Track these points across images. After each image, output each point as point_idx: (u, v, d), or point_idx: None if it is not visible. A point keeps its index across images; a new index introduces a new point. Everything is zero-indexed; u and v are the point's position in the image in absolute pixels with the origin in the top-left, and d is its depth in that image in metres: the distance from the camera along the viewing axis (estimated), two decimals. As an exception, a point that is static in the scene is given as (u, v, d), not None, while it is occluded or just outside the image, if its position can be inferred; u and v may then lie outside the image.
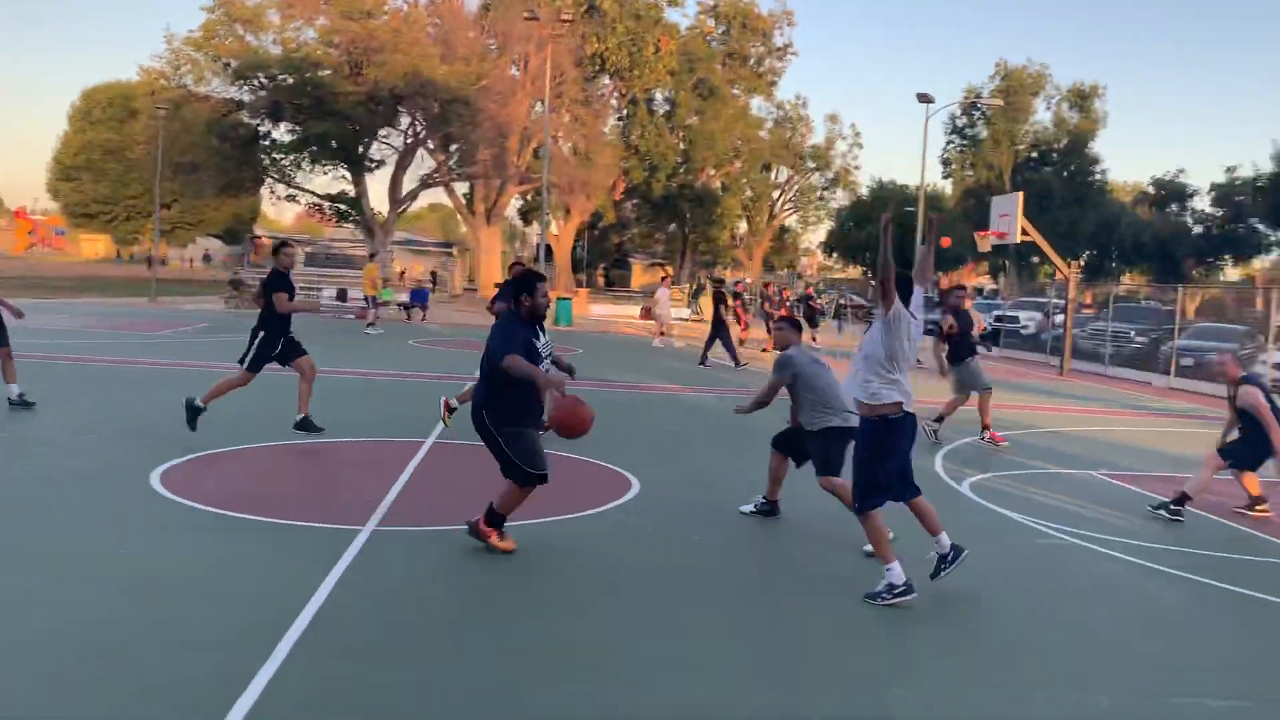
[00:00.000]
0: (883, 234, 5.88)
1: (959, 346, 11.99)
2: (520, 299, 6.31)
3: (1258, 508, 8.89)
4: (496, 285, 11.05)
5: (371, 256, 28.68)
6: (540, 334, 6.46)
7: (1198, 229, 62.52)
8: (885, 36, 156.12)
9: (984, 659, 5.18)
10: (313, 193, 42.92)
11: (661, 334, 25.72)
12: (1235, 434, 9.04)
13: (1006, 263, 67.08)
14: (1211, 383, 21.07)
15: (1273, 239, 59.30)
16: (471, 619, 5.25)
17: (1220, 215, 60.97)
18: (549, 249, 51.38)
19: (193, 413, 9.42)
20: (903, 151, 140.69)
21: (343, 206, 42.32)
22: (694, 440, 11.56)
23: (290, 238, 9.73)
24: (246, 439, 9.62)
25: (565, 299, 34.33)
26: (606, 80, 53.01)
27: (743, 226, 68.75)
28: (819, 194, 71.93)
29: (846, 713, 4.39)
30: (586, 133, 47.89)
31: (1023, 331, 33.53)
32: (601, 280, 78.04)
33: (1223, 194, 59.91)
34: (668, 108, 56.19)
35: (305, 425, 9.75)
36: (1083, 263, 65.71)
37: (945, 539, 6.14)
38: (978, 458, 11.09)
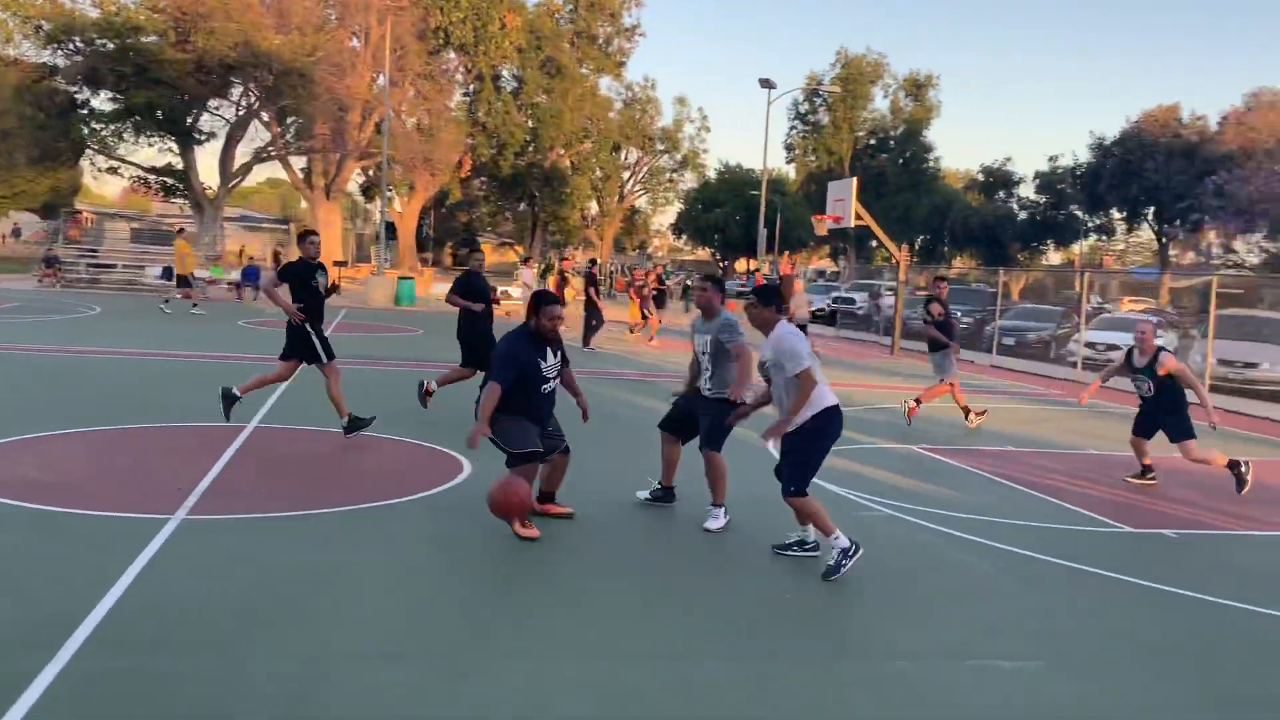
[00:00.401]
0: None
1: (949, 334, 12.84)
2: (533, 317, 6.55)
3: (1148, 476, 9.77)
4: (464, 273, 10.88)
5: (179, 232, 27.14)
6: (551, 354, 6.63)
7: (1023, 215, 65.84)
8: (732, 21, 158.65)
9: (796, 630, 5.28)
10: (137, 166, 40.64)
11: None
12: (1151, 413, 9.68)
13: (846, 247, 69.30)
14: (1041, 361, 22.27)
15: (1090, 225, 63.03)
16: (275, 608, 5.03)
17: (1043, 202, 64.41)
18: (391, 226, 50.14)
19: (228, 401, 9.21)
20: (749, 136, 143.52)
21: (170, 180, 40.21)
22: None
23: (311, 229, 9.45)
24: (46, 425, 9.00)
25: (408, 278, 33.55)
26: (451, 55, 52.00)
27: (593, 207, 68.75)
28: (668, 176, 72.62)
29: (659, 689, 4.39)
30: (430, 108, 46.92)
31: (858, 313, 34.72)
32: (450, 259, 76.75)
33: (1046, 182, 63.27)
34: (515, 85, 55.59)
35: (355, 424, 9.36)
36: (917, 247, 68.56)
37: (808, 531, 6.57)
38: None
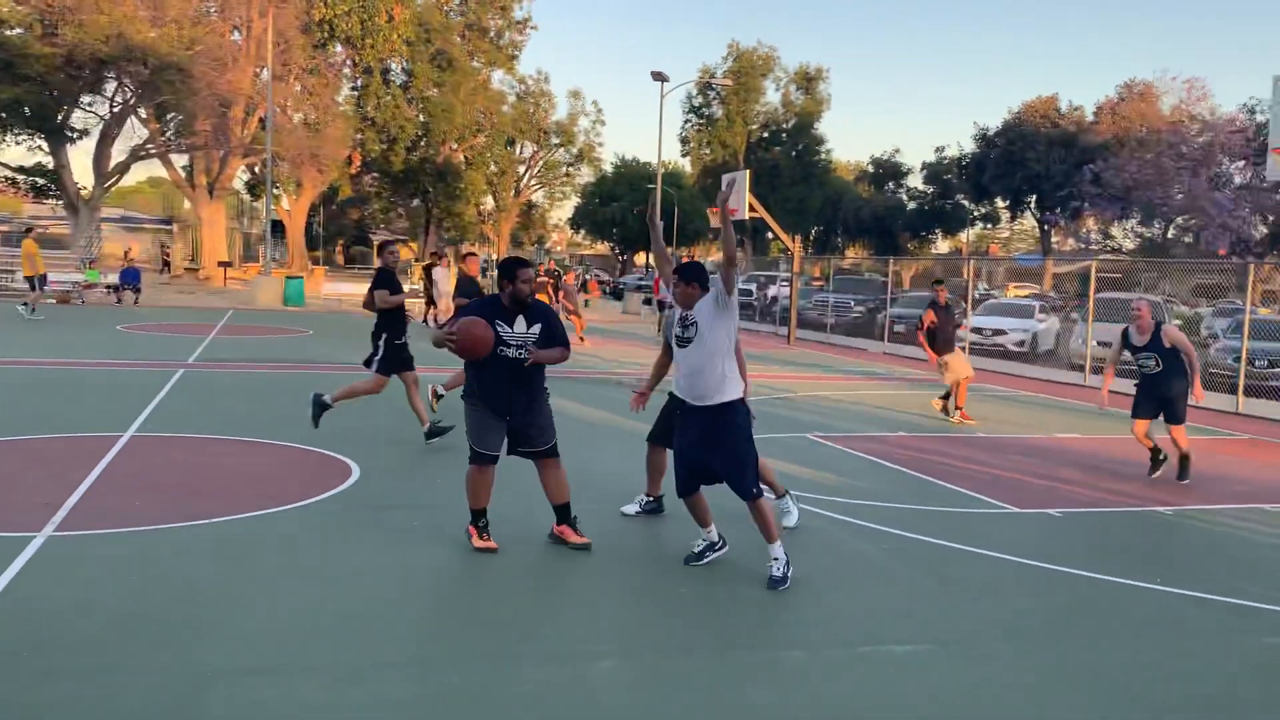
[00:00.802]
0: (724, 223, 5.76)
1: (936, 337, 12.82)
2: (503, 285, 6.20)
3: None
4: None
5: (27, 231, 25.66)
6: (517, 322, 6.19)
7: (912, 205, 67.59)
8: (624, 15, 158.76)
9: (692, 622, 5.25)
10: (4, 165, 38.69)
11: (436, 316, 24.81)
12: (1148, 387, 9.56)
13: (743, 238, 69.97)
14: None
15: (976, 214, 64.95)
16: (148, 627, 4.78)
17: (931, 192, 66.15)
18: (279, 225, 48.81)
19: (319, 409, 9.10)
20: (644, 129, 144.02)
21: (40, 181, 38.39)
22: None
23: (393, 239, 9.55)
24: (-100, 442, 8.45)
25: (296, 278, 32.68)
26: (338, 49, 50.80)
27: (489, 202, 68.04)
28: (564, 170, 72.30)
29: (547, 687, 4.30)
30: (317, 102, 45.74)
31: (755, 304, 35.09)
32: (341, 257, 75.13)
33: (933, 172, 65.00)
34: (405, 79, 54.59)
35: (436, 432, 9.49)
36: (811, 237, 69.73)
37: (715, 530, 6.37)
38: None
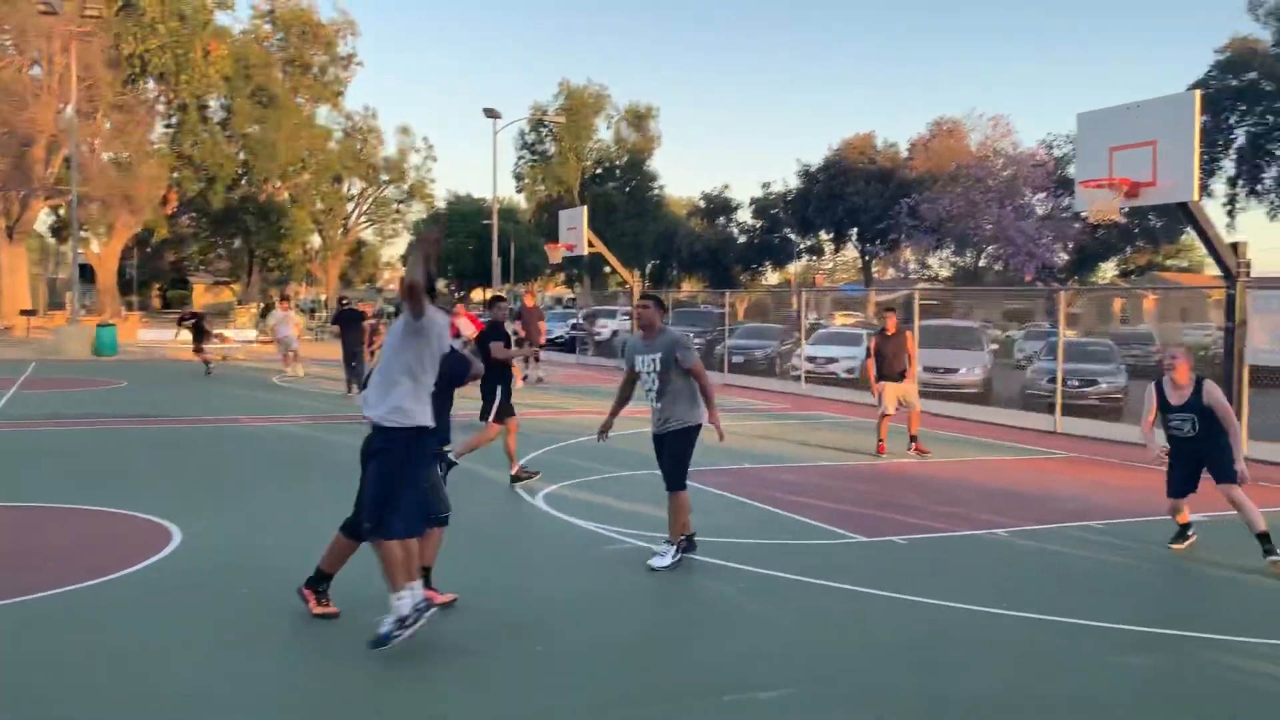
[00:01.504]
0: (417, 248, 5.42)
1: (882, 366, 12.71)
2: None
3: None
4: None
5: None
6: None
7: (743, 238, 69.30)
8: (454, 52, 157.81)
9: (550, 677, 5.01)
10: None
11: (287, 360, 23.49)
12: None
13: (580, 273, 70.25)
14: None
15: (802, 246, 67.16)
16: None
17: (760, 226, 68.04)
18: (86, 269, 45.99)
19: (447, 466, 8.06)
20: (477, 165, 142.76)
21: None
22: (255, 479, 10.54)
23: (500, 294, 10.26)
24: None
25: (108, 325, 30.68)
26: (150, 84, 48.45)
27: (315, 240, 66.02)
28: (395, 207, 71.02)
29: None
30: (128, 140, 43.39)
31: (597, 338, 35.07)
32: (158, 302, 71.37)
33: (761, 207, 66.88)
34: (224, 115, 52.51)
35: (521, 478, 10.01)
36: (648, 271, 70.57)
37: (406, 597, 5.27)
38: (550, 469, 11.14)
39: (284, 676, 5.03)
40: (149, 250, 62.79)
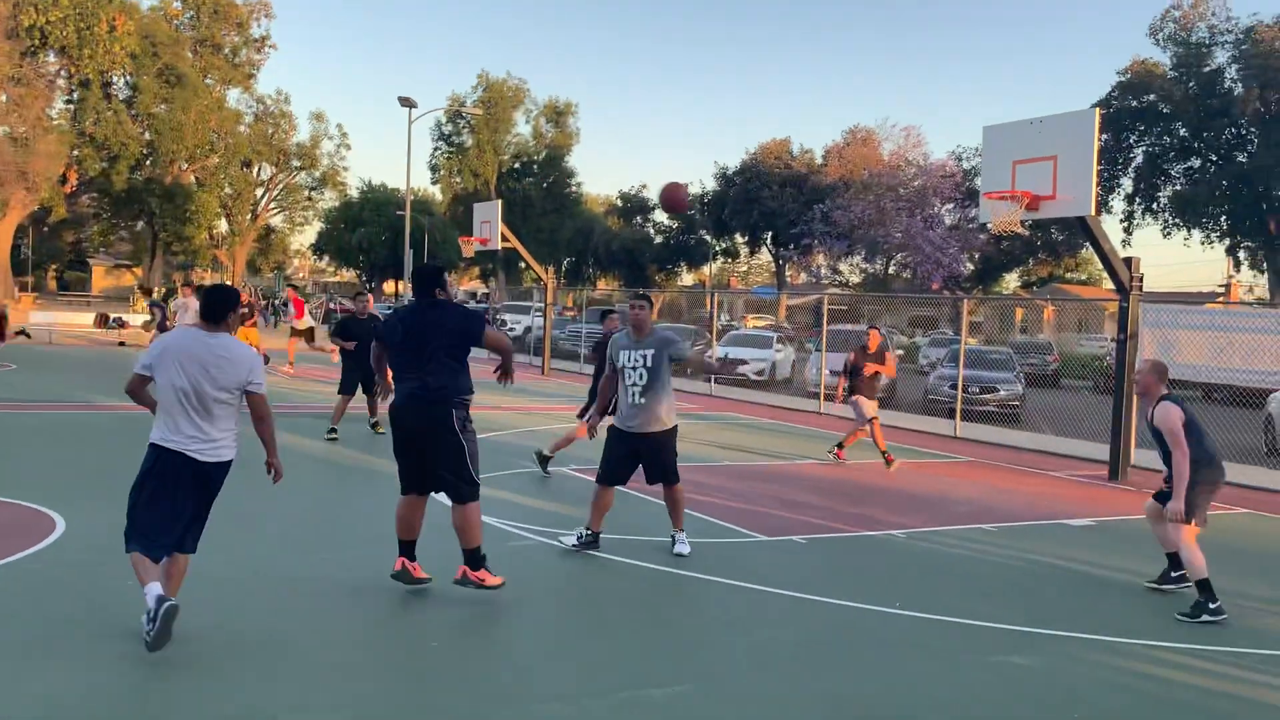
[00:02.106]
0: None
1: (853, 379, 12.46)
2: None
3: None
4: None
5: None
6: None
7: (659, 239, 69.61)
8: (370, 39, 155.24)
9: (443, 674, 4.95)
10: None
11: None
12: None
13: (495, 268, 69.77)
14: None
15: (718, 248, 67.73)
16: None
17: (676, 227, 68.40)
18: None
19: (543, 462, 10.64)
20: (392, 155, 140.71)
21: None
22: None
23: (611, 308, 9.99)
24: None
25: (-1, 306, 29.35)
26: (51, 58, 46.61)
27: (223, 225, 64.32)
28: (306, 194, 69.58)
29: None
30: (25, 115, 41.68)
31: (510, 334, 34.88)
32: (54, 284, 68.75)
33: (677, 207, 67.25)
34: (129, 93, 50.79)
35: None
36: (564, 268, 70.41)
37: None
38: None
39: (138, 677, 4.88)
40: (46, 230, 60.42)
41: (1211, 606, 6.46)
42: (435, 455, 6.01)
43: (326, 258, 75.35)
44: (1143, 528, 7.80)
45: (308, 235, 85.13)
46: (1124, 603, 6.98)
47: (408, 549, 6.17)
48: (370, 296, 14.43)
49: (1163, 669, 5.60)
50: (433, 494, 6.23)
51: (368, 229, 64.21)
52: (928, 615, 6.35)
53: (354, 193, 69.15)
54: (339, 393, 13.02)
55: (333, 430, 12.57)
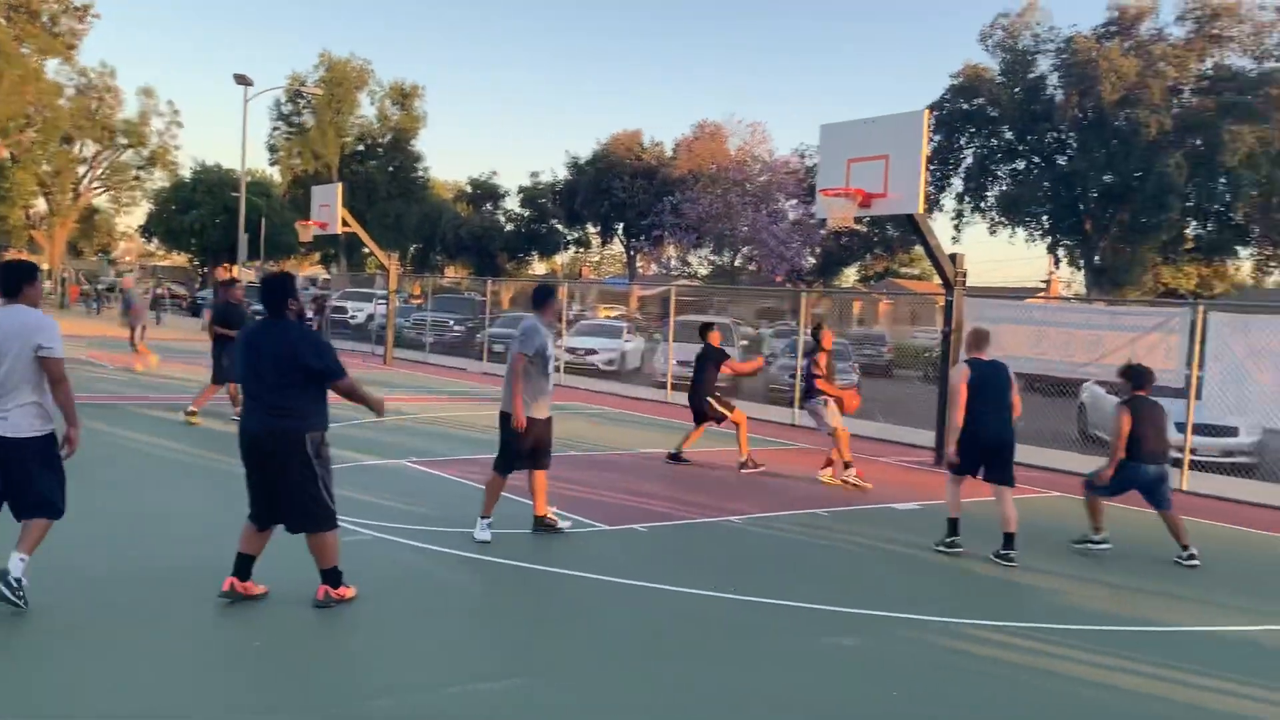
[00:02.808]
0: None
1: (809, 385, 11.46)
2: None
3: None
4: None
5: None
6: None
7: (510, 227, 68.97)
8: (205, 12, 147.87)
9: (266, 673, 4.78)
10: None
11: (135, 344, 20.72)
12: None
13: (337, 253, 67.80)
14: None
15: (570, 238, 67.66)
16: None
17: (527, 215, 67.95)
18: None
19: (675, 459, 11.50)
20: (227, 134, 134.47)
21: None
22: None
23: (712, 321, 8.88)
24: None
25: None
26: None
27: (40, 204, 60.28)
28: (134, 173, 65.92)
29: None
30: None
31: (351, 321, 33.99)
32: None
33: (529, 196, 66.78)
34: (-68, 60, 46.95)
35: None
36: (410, 255, 69.00)
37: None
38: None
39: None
40: None
41: (948, 540, 8.10)
42: (284, 482, 5.68)
43: (156, 240, 71.60)
44: (964, 511, 8.20)
45: (136, 217, 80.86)
46: (943, 583, 7.32)
47: (243, 566, 5.80)
48: (241, 284, 14.61)
49: (977, 645, 5.91)
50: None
51: (201, 211, 61.32)
52: (762, 599, 6.51)
53: (186, 173, 65.84)
54: (213, 381, 13.09)
55: (193, 413, 12.68)
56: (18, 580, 5.24)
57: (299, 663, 5.03)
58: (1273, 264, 43.80)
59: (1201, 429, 12.77)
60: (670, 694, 4.89)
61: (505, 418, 7.82)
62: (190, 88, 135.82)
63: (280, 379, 5.64)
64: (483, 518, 7.62)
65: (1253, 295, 48.64)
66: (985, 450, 8.01)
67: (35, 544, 5.37)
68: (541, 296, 8.07)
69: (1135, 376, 8.55)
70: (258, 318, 5.92)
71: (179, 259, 74.85)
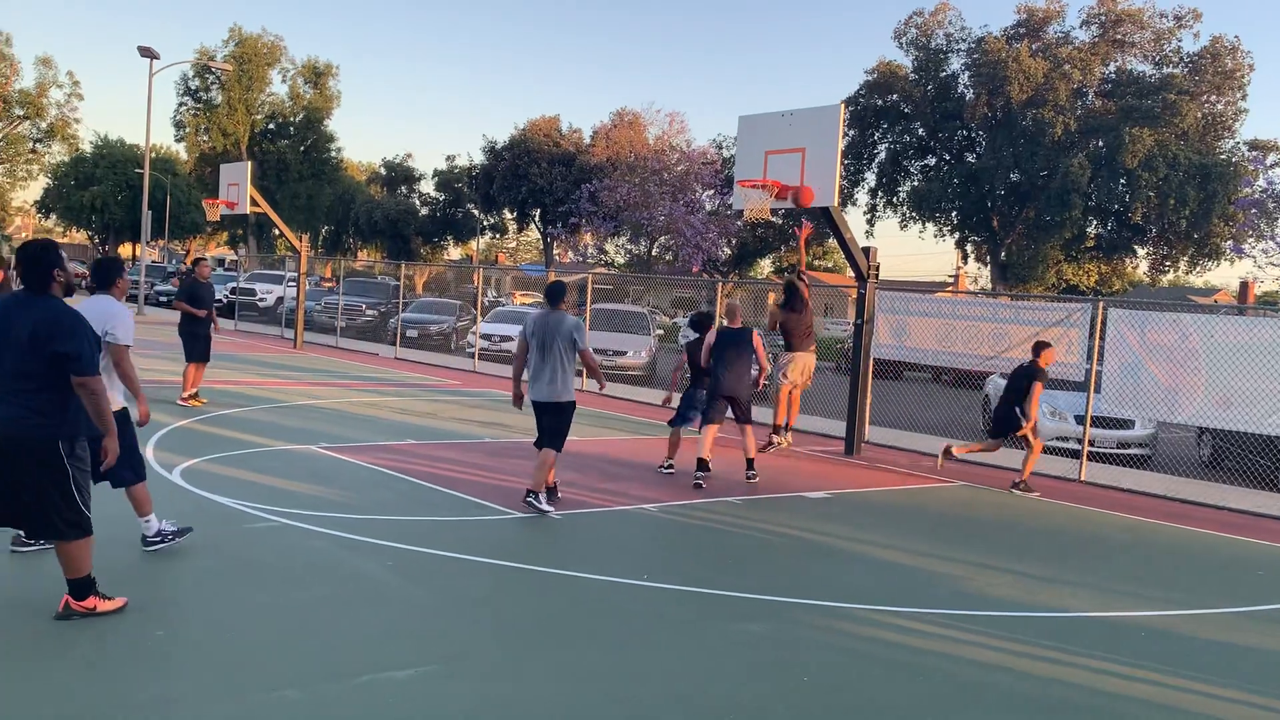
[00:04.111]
0: None
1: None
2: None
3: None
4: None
5: None
6: None
7: (425, 211, 68.03)
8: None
9: (168, 663, 4.64)
10: None
11: None
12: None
13: (246, 233, 66.14)
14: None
15: (486, 223, 67.03)
16: None
17: (443, 199, 67.10)
18: None
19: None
20: (131, 108, 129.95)
21: None
22: None
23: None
24: None
25: None
26: None
27: (-73, 178, 57.56)
28: (31, 146, 63.27)
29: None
30: None
31: (260, 304, 33.19)
32: None
33: (444, 180, 65.95)
34: None
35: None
36: (323, 237, 67.63)
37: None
38: (192, 443, 10.39)
39: None
40: None
41: (698, 474, 10.20)
42: (21, 486, 4.94)
43: (54, 217, 68.87)
44: (873, 500, 8.36)
45: (32, 192, 77.67)
46: (849, 570, 7.45)
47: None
48: (207, 262, 14.48)
49: (881, 630, 6.02)
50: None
51: (102, 187, 59.22)
52: (673, 586, 6.54)
53: (87, 147, 63.56)
54: (189, 360, 13.13)
55: (194, 395, 12.99)
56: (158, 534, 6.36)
57: (202, 654, 4.89)
58: (1167, 264, 45.52)
59: (1099, 421, 13.22)
60: (574, 682, 4.88)
61: (570, 406, 8.72)
62: (92, 59, 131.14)
63: (22, 366, 4.86)
64: (537, 492, 8.47)
65: (1147, 294, 50.57)
66: (726, 397, 10.43)
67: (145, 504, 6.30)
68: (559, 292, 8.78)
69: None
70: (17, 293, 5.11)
71: (78, 236, 72.19)
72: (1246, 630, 6.59)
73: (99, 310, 5.96)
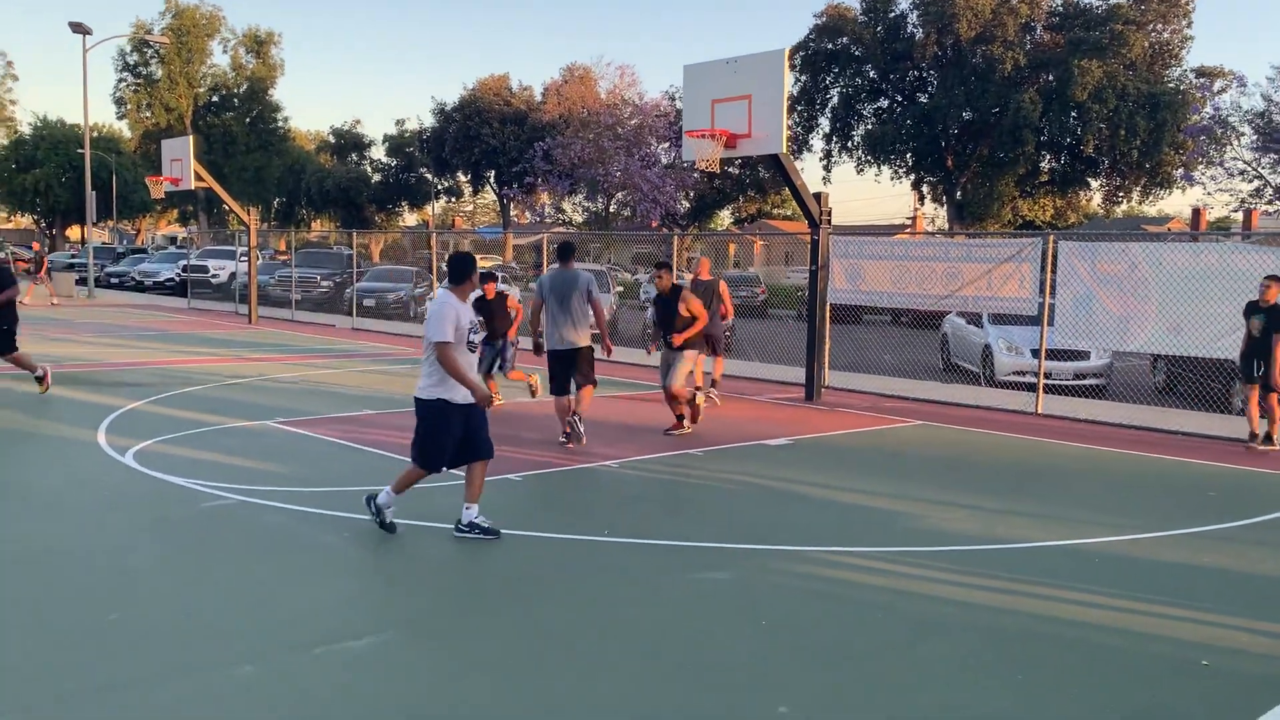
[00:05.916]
0: None
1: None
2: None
3: None
4: None
5: None
6: None
7: (377, 177, 67.16)
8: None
9: (121, 647, 4.57)
10: None
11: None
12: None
13: (196, 209, 65.03)
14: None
15: (440, 187, 66.31)
16: None
17: (395, 165, 66.24)
18: None
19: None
20: (70, 87, 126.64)
21: None
22: None
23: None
24: None
25: None
26: None
27: None
28: (-34, 130, 61.68)
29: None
30: None
31: (213, 281, 32.71)
32: None
33: (395, 145, 65.06)
34: None
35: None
36: (275, 209, 66.63)
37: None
38: (145, 425, 10.23)
39: None
40: None
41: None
42: None
43: (-5, 202, 67.35)
44: (833, 444, 8.40)
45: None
46: (810, 513, 7.49)
47: None
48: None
49: (842, 571, 6.06)
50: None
51: (44, 169, 57.90)
52: (635, 540, 6.54)
53: (26, 129, 62.00)
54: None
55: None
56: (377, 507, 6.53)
57: (160, 632, 4.82)
58: (1121, 194, 45.91)
59: (1054, 354, 13.34)
60: (535, 640, 4.87)
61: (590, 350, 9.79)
62: (24, 38, 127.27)
63: None
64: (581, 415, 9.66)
65: (1102, 225, 51.00)
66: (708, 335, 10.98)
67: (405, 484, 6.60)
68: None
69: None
70: None
71: (22, 221, 70.68)
72: (1202, 550, 6.70)
73: None
